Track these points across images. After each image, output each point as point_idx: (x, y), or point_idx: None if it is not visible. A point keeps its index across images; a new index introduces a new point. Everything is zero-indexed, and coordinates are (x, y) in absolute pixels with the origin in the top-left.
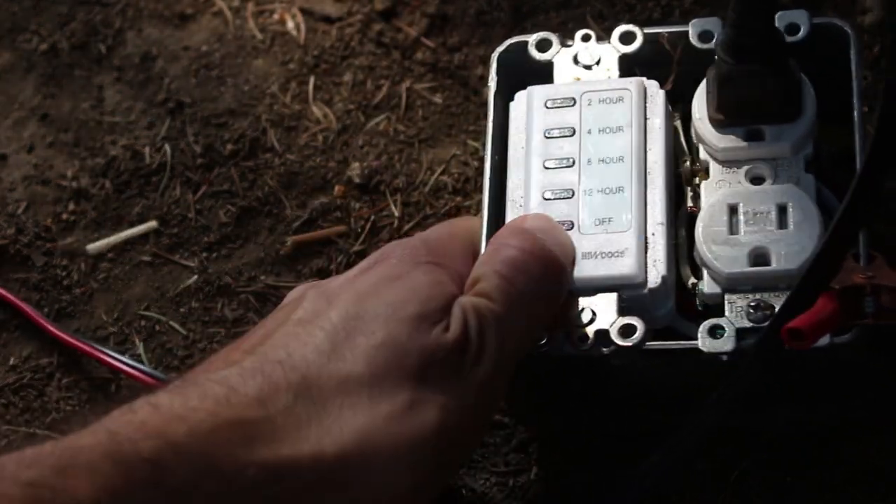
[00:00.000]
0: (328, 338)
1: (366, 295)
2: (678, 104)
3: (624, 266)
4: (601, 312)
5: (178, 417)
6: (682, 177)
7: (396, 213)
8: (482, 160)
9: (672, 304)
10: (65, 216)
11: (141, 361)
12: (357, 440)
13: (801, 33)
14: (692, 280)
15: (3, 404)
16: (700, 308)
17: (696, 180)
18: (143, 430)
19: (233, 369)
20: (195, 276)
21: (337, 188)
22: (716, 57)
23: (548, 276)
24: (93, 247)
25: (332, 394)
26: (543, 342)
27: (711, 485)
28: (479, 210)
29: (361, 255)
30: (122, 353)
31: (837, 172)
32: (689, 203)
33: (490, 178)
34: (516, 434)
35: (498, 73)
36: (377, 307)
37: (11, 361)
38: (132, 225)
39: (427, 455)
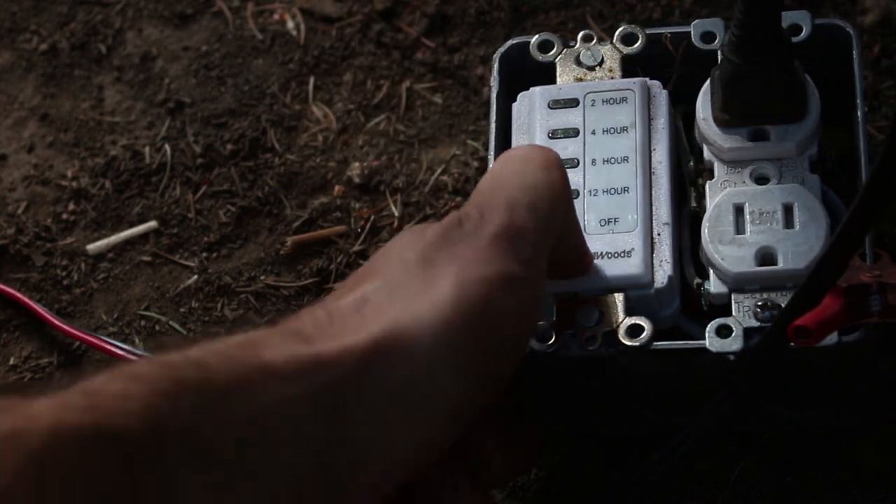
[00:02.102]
0: (344, 285)
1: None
2: (679, 105)
3: (631, 266)
4: (606, 313)
5: (214, 341)
6: (686, 177)
7: (396, 213)
8: (485, 161)
9: (678, 304)
10: (65, 216)
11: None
12: (384, 328)
13: (803, 34)
14: (697, 280)
15: None
16: (705, 308)
17: (700, 180)
18: (186, 346)
19: None
20: (195, 276)
21: (337, 188)
22: (721, 57)
23: (546, 152)
24: (93, 247)
25: (352, 310)
26: (551, 342)
27: (711, 485)
28: None
29: (361, 255)
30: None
31: (840, 173)
32: (693, 203)
33: None
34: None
35: (500, 75)
36: (390, 245)
37: (11, 361)
38: (132, 225)
39: (459, 318)
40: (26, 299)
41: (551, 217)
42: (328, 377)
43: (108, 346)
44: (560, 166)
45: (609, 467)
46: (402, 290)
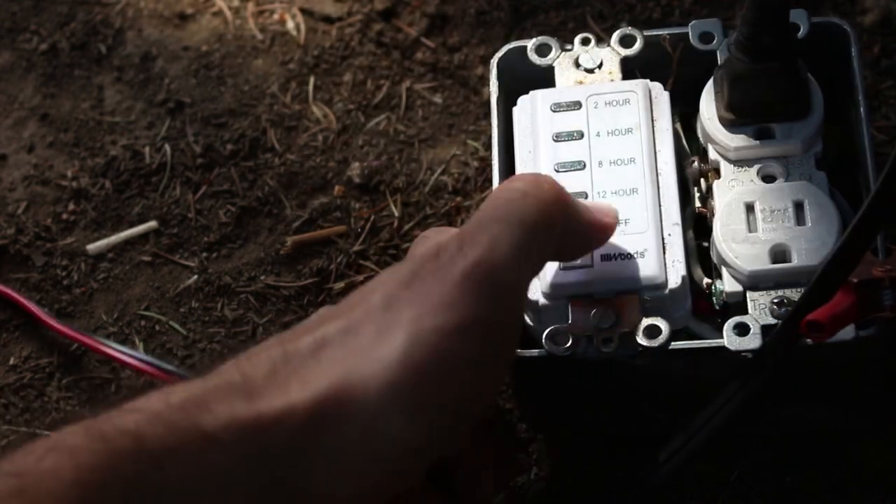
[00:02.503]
0: (313, 321)
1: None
2: (677, 105)
3: (645, 267)
4: (622, 315)
5: (157, 394)
6: (690, 178)
7: (396, 213)
8: (489, 166)
9: (689, 304)
10: (65, 216)
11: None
12: (330, 384)
13: (801, 33)
14: (707, 280)
15: (3, 404)
16: (717, 307)
17: (704, 181)
18: (121, 409)
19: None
20: (195, 276)
21: (337, 188)
22: (727, 56)
23: (546, 192)
24: (93, 247)
25: (309, 353)
26: (567, 346)
27: (711, 485)
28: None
29: (361, 255)
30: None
31: (840, 171)
32: (697, 204)
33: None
34: (516, 434)
35: (498, 79)
36: (367, 285)
37: (11, 361)
38: (132, 225)
39: (405, 379)
40: (22, 299)
41: (541, 251)
42: (268, 442)
43: (104, 348)
44: (557, 200)
45: (612, 468)
46: (357, 338)
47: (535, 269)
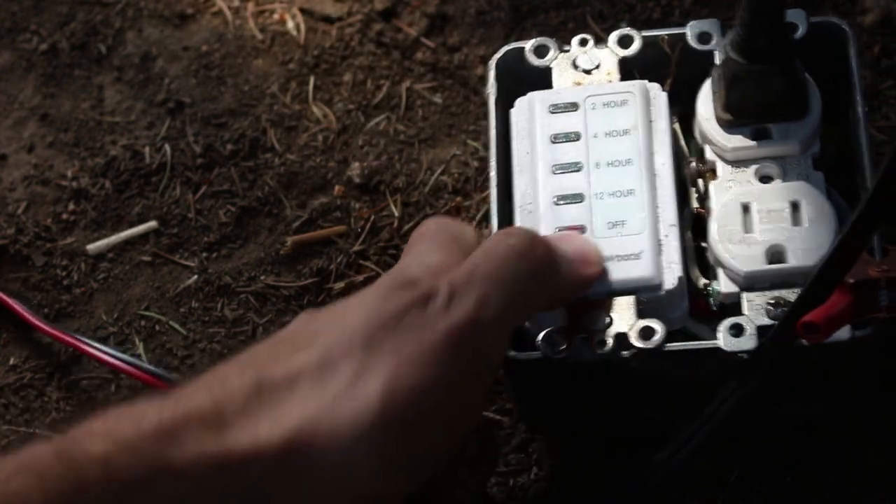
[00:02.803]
0: (291, 340)
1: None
2: (675, 106)
3: (641, 268)
4: (617, 316)
5: (127, 418)
6: (688, 178)
7: (396, 213)
8: (486, 168)
9: (686, 305)
10: (65, 216)
11: (140, 360)
12: (301, 425)
13: (799, 33)
14: (703, 281)
15: (3, 404)
16: (714, 308)
17: (701, 181)
18: (92, 432)
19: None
20: (195, 276)
21: (337, 188)
22: (724, 56)
23: (540, 256)
24: (93, 247)
25: (283, 385)
26: (563, 348)
27: (711, 485)
28: (478, 210)
29: (361, 255)
30: (123, 352)
31: (838, 171)
32: (695, 204)
33: (497, 187)
34: (516, 434)
35: (497, 80)
36: (346, 304)
37: (11, 361)
38: (132, 225)
39: (378, 427)
40: (12, 302)
41: (527, 309)
42: (236, 479)
43: (93, 351)
44: (550, 264)
45: (612, 468)
46: (333, 376)
47: (519, 323)
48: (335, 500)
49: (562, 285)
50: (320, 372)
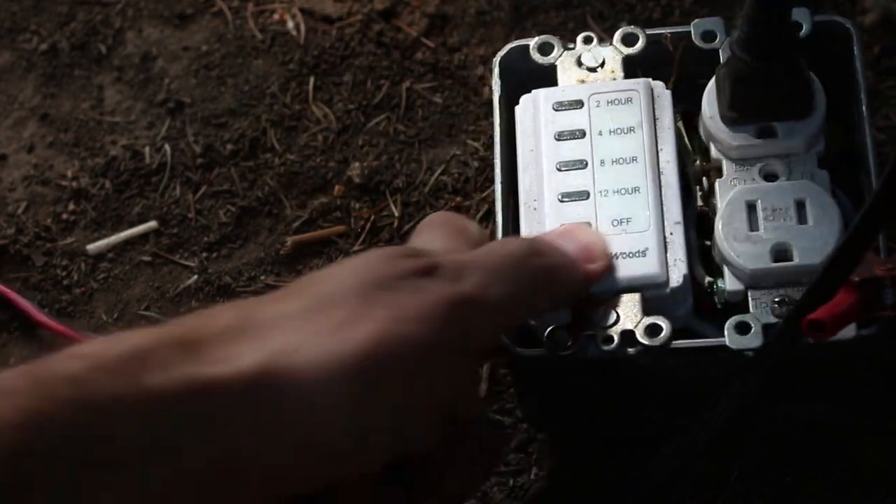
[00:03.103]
0: (285, 289)
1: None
2: (679, 104)
3: (647, 266)
4: (623, 314)
5: (104, 341)
6: (692, 176)
7: (396, 213)
8: (487, 168)
9: (691, 303)
10: (65, 216)
11: None
12: (281, 356)
13: (803, 31)
14: (708, 279)
15: None
16: (720, 306)
17: (706, 179)
18: (66, 353)
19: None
20: (195, 276)
21: (337, 188)
22: (730, 55)
23: (543, 249)
24: (93, 247)
25: (269, 321)
26: (568, 345)
27: (711, 485)
28: (479, 210)
29: None
30: None
31: (842, 170)
32: (700, 202)
33: (501, 184)
34: (516, 434)
35: (500, 78)
36: (346, 261)
37: (11, 361)
38: (132, 225)
39: (362, 369)
40: (15, 296)
41: (524, 314)
42: (203, 403)
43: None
44: (548, 276)
45: (612, 468)
46: (322, 318)
47: (516, 323)
48: (300, 438)
49: (563, 289)
50: (309, 313)
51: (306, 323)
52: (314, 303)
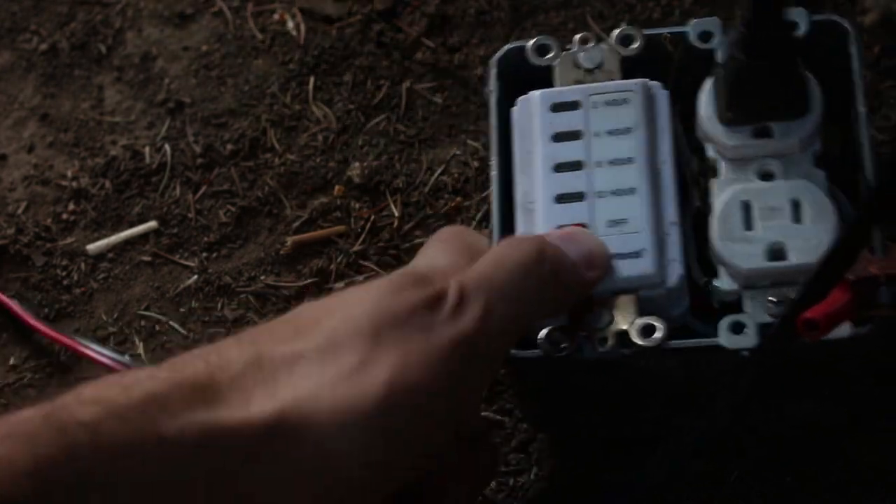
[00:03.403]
0: (294, 322)
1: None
2: (677, 104)
3: (643, 266)
4: (619, 314)
5: (119, 385)
6: (689, 176)
7: (396, 213)
8: (487, 168)
9: (687, 302)
10: (65, 216)
11: (140, 360)
12: (297, 403)
13: (801, 31)
14: (704, 279)
15: (3, 404)
16: (716, 306)
17: (703, 179)
18: (82, 398)
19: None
20: (195, 276)
21: (337, 188)
22: (727, 55)
23: (546, 272)
24: (93, 247)
25: (283, 364)
26: (564, 346)
27: (710, 485)
28: (478, 210)
29: (361, 255)
30: (122, 354)
31: (840, 170)
32: (697, 202)
33: (498, 186)
34: (516, 434)
35: (498, 79)
36: (353, 293)
37: (11, 361)
38: (132, 225)
39: (376, 417)
40: (9, 301)
41: (531, 320)
42: (220, 450)
43: (90, 353)
44: (556, 277)
45: (612, 469)
46: (336, 360)
47: (523, 335)
48: (314, 486)
49: (566, 296)
50: (322, 355)
51: (319, 367)
52: (325, 343)
